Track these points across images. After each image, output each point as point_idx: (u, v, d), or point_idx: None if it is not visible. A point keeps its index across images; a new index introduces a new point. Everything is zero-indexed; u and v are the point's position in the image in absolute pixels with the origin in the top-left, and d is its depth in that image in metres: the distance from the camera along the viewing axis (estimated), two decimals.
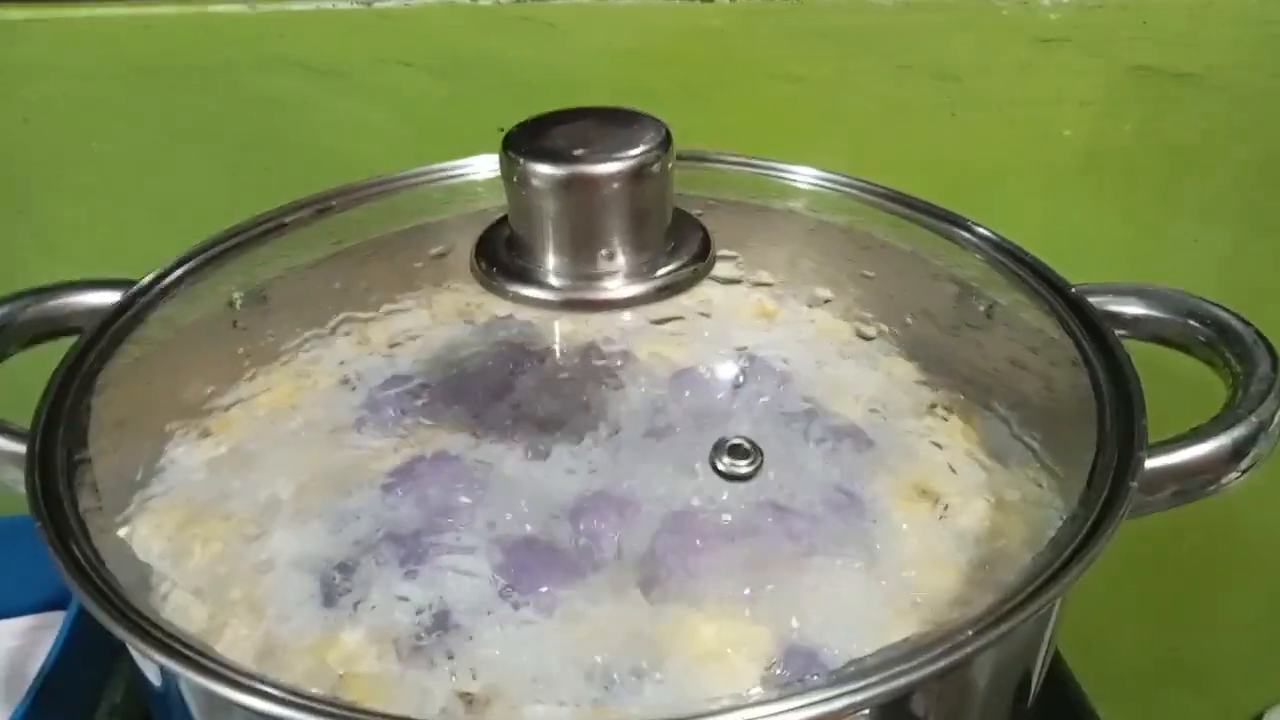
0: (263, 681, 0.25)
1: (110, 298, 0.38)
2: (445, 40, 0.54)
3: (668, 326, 0.34)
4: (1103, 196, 0.61)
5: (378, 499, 0.30)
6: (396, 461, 0.31)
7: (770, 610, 0.28)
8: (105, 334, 0.36)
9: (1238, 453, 0.33)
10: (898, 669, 0.25)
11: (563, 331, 0.34)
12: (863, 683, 0.25)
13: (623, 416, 0.32)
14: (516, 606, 0.28)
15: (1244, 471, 0.34)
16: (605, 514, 0.30)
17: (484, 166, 0.44)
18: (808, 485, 0.31)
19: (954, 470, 0.31)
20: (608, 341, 0.33)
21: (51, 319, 0.38)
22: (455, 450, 0.31)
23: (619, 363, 0.33)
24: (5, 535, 0.44)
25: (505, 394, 0.33)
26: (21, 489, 0.31)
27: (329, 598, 0.29)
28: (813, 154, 0.45)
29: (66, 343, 0.37)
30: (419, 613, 0.28)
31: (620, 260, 0.34)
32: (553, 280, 0.34)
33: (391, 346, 0.34)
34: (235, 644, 0.27)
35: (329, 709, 0.25)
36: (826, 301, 0.36)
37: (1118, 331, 0.37)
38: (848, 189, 0.43)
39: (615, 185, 0.33)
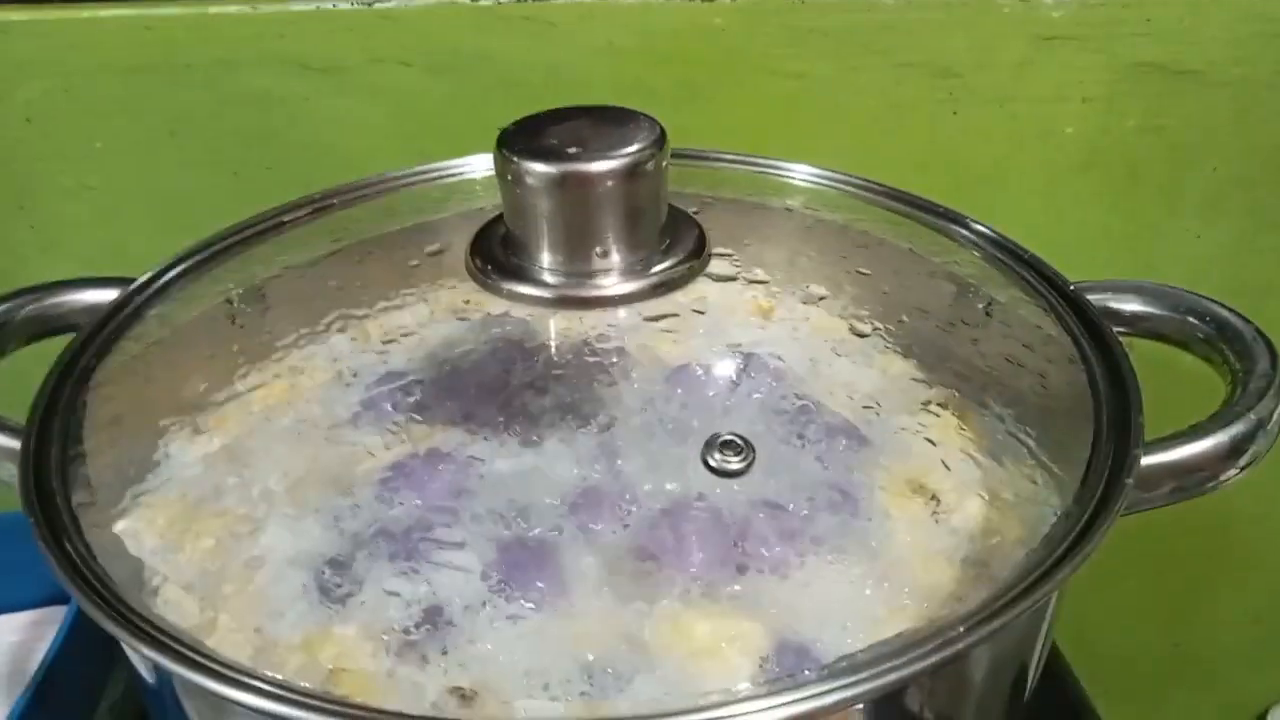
0: (255, 677, 0.25)
1: (108, 296, 0.39)
2: (445, 40, 0.54)
3: (662, 324, 0.34)
4: (1104, 193, 0.61)
5: (371, 495, 0.30)
6: (390, 458, 0.31)
7: (763, 606, 0.28)
8: (102, 331, 0.37)
9: (1236, 450, 0.33)
10: (889, 664, 0.25)
11: (557, 329, 0.34)
12: (854, 678, 0.24)
13: (616, 413, 0.32)
14: (509, 601, 0.28)
15: (1243, 469, 0.34)
16: (598, 509, 0.30)
17: (482, 165, 0.45)
18: (801, 481, 0.31)
19: (948, 467, 0.31)
20: (602, 339, 0.33)
21: (49, 317, 0.39)
22: (449, 447, 0.31)
23: (613, 360, 0.33)
24: (6, 530, 0.44)
25: (499, 391, 0.33)
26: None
27: (322, 593, 0.29)
28: (814, 152, 0.45)
29: (65, 340, 0.37)
30: (411, 608, 0.28)
31: (615, 258, 0.34)
32: (547, 278, 0.34)
33: (387, 344, 0.34)
34: (227, 639, 0.27)
35: (321, 704, 0.25)
36: (822, 299, 0.36)
37: (1116, 329, 0.36)
38: (845, 186, 0.43)
39: (609, 183, 0.33)
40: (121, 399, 0.34)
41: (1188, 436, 0.33)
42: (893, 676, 0.24)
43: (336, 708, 0.25)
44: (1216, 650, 0.79)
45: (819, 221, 0.42)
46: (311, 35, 0.54)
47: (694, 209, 0.38)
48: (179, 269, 0.40)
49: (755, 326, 0.34)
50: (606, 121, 0.35)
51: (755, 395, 0.32)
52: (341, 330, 0.35)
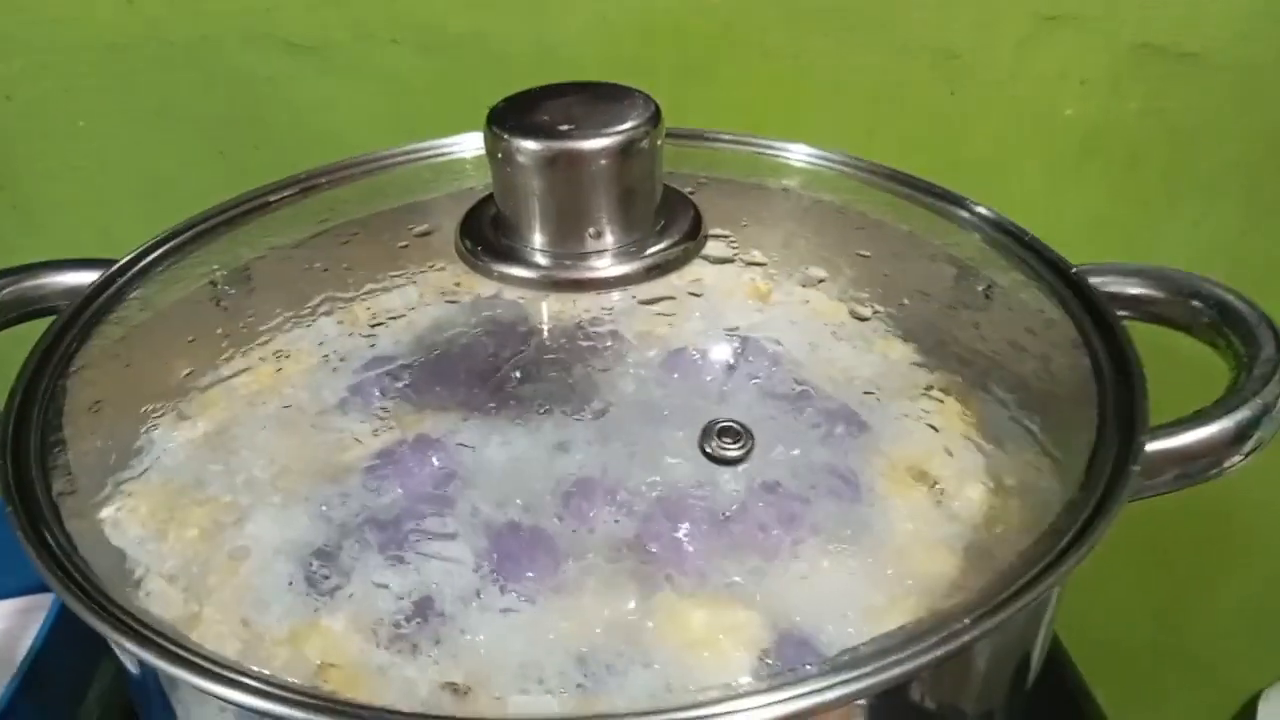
0: (241, 673, 0.25)
1: (89, 277, 0.38)
2: (434, 16, 0.53)
3: (657, 307, 0.33)
4: (1104, 177, 0.61)
5: (360, 483, 0.30)
6: (379, 444, 0.31)
7: (762, 596, 0.27)
8: (82, 315, 0.36)
9: (1241, 435, 0.33)
10: (893, 659, 0.24)
11: (549, 312, 0.33)
12: (857, 672, 0.24)
13: (611, 399, 0.31)
14: (502, 592, 0.27)
15: (1247, 455, 0.33)
16: (592, 498, 0.29)
17: (472, 144, 0.44)
18: (800, 468, 0.30)
19: (950, 453, 0.31)
20: (595, 322, 0.32)
21: (28, 299, 0.38)
22: (439, 433, 0.31)
23: (607, 344, 0.32)
24: None
25: (490, 376, 0.32)
26: None
27: (309, 584, 0.28)
28: (811, 132, 0.45)
29: (44, 323, 0.36)
30: (401, 599, 0.27)
31: (608, 239, 0.33)
32: (539, 259, 0.34)
33: (374, 327, 0.34)
34: (213, 632, 0.27)
35: (308, 700, 0.24)
36: (821, 281, 0.35)
37: (1119, 312, 0.36)
38: (843, 167, 0.43)
39: (602, 162, 0.32)
40: (102, 384, 0.34)
41: (1192, 422, 0.33)
42: (896, 671, 0.24)
43: (324, 703, 0.24)
44: (1211, 636, 0.79)
45: (817, 203, 0.41)
46: (298, 12, 0.52)
47: (689, 189, 0.38)
48: (162, 250, 0.39)
49: (753, 310, 0.34)
50: (600, 98, 0.34)
51: (753, 380, 0.32)
52: (328, 313, 0.34)
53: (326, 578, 0.28)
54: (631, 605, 0.27)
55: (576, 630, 0.27)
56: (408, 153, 0.44)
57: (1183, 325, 0.38)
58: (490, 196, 0.35)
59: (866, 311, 0.34)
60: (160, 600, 0.27)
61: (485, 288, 0.34)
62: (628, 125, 0.32)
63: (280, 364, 0.33)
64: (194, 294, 0.37)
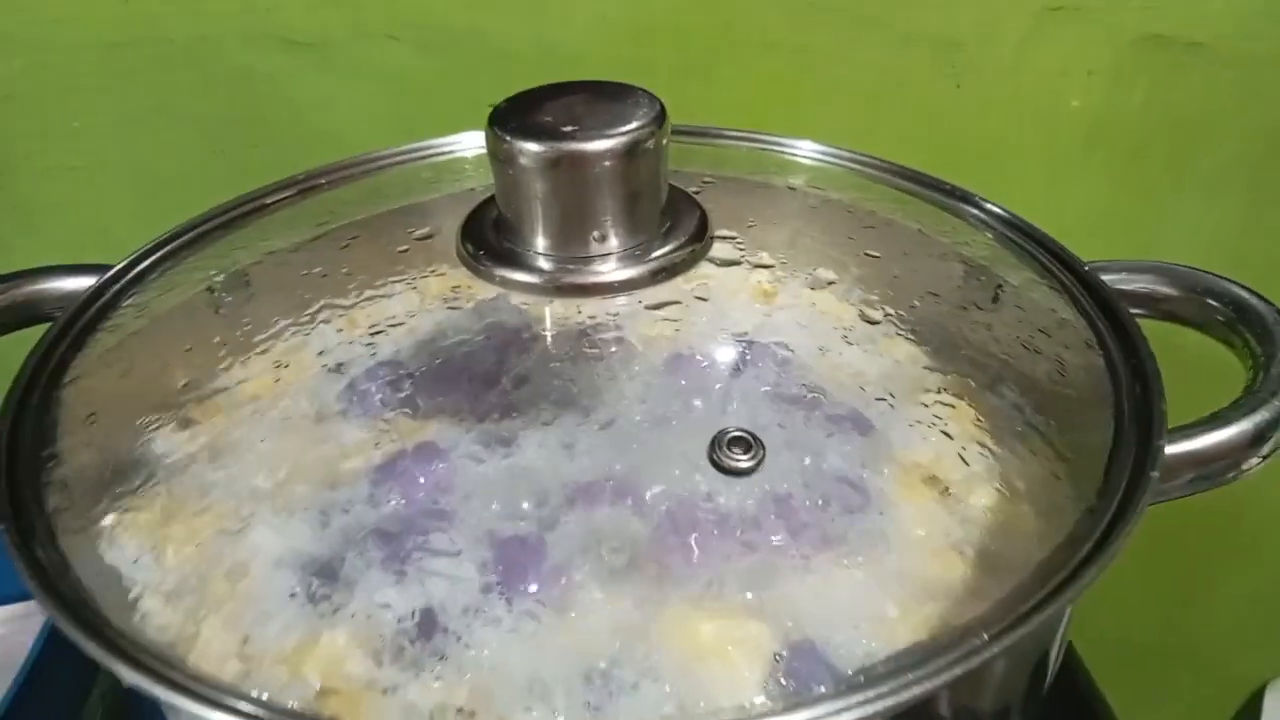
0: (240, 697, 0.24)
1: (84, 283, 0.37)
2: (434, 14, 0.52)
3: (663, 311, 0.32)
4: (1108, 169, 0.60)
5: (361, 494, 0.29)
6: (381, 455, 0.30)
7: (771, 607, 0.27)
8: (77, 322, 0.35)
9: (1260, 438, 0.32)
10: (910, 678, 0.23)
11: (553, 317, 0.32)
12: (873, 692, 0.23)
13: (617, 406, 0.30)
14: (507, 606, 0.27)
15: (1265, 457, 0.32)
16: (599, 508, 0.29)
17: (472, 143, 0.43)
18: (811, 476, 0.29)
19: (963, 459, 0.30)
20: (600, 328, 0.32)
21: (23, 306, 0.37)
22: (442, 442, 0.30)
23: (612, 350, 0.31)
24: None
25: (494, 383, 0.31)
26: None
27: (310, 599, 0.27)
28: (814, 126, 0.44)
29: (39, 331, 0.35)
30: (404, 614, 0.27)
31: (613, 242, 0.32)
32: (542, 264, 0.33)
33: (375, 334, 0.33)
34: (210, 652, 0.26)
35: None
36: (830, 283, 0.34)
37: (1132, 310, 0.35)
38: (850, 164, 0.42)
39: (607, 163, 0.31)
40: (98, 395, 0.33)
41: (1209, 424, 0.32)
42: (913, 691, 0.23)
43: None
44: (1216, 629, 0.79)
45: (824, 201, 0.40)
46: (297, 10, 0.52)
47: (694, 189, 0.37)
48: (158, 255, 0.38)
49: (761, 314, 0.33)
50: (603, 97, 0.33)
51: (762, 387, 0.31)
52: (328, 320, 0.33)
53: (328, 592, 0.27)
54: (639, 619, 0.26)
55: (583, 645, 0.26)
56: (407, 152, 0.44)
57: (1196, 323, 0.37)
58: (492, 198, 0.35)
59: (877, 314, 0.33)
60: (156, 620, 0.26)
61: (487, 293, 0.33)
62: (633, 125, 0.31)
63: (279, 373, 0.32)
64: (191, 300, 0.36)
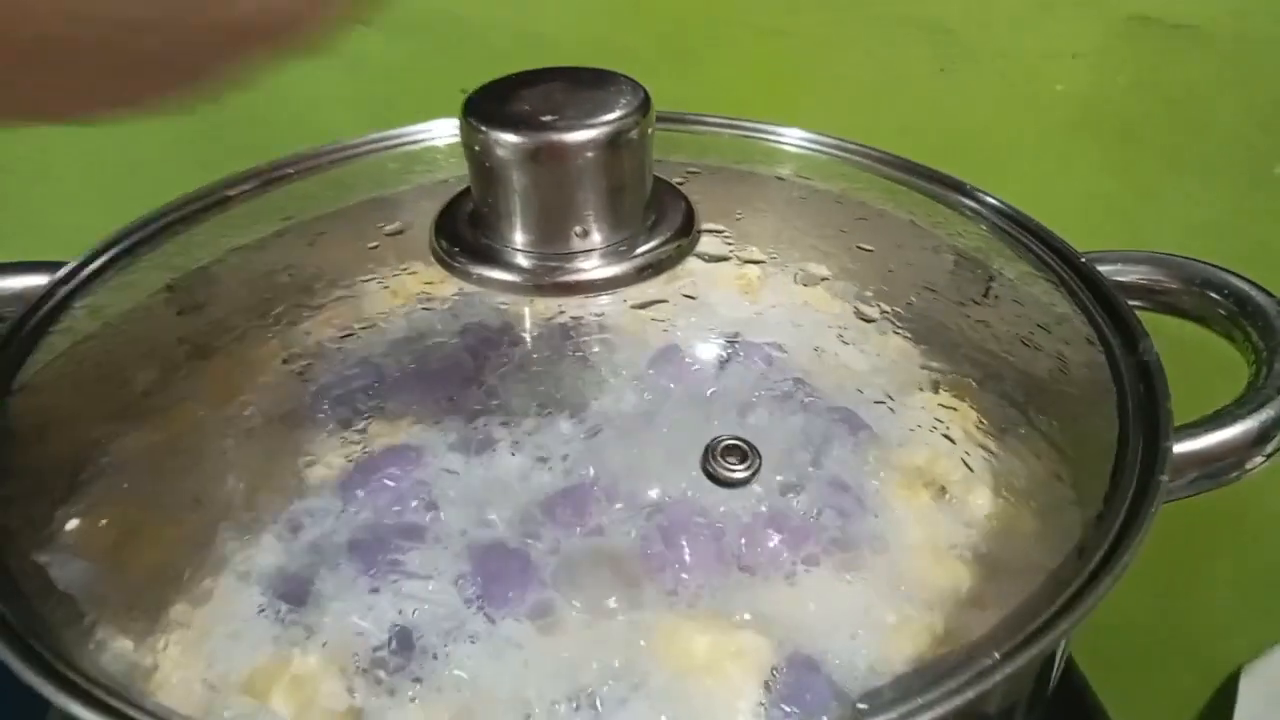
0: None
1: (34, 283, 0.35)
2: None
3: (650, 311, 0.31)
4: (1097, 153, 0.59)
5: (332, 503, 0.28)
6: (353, 462, 0.29)
7: (766, 617, 0.26)
8: (26, 325, 0.33)
9: (1265, 436, 0.31)
10: (918, 703, 0.22)
11: (534, 317, 0.31)
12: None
13: (602, 411, 0.29)
14: (490, 622, 0.26)
15: (1269, 456, 0.32)
16: (584, 518, 0.27)
17: (444, 131, 0.41)
18: (806, 481, 0.28)
19: (965, 462, 0.29)
20: (584, 328, 0.30)
21: None
22: (417, 449, 0.29)
23: (597, 351, 0.30)
24: None
25: (472, 387, 0.30)
26: None
27: (278, 617, 0.26)
28: (799, 113, 0.43)
29: None
30: (379, 634, 0.25)
31: (596, 238, 0.31)
32: (521, 261, 0.31)
33: (346, 336, 0.31)
34: (171, 680, 0.24)
35: None
36: (823, 279, 0.33)
37: (1130, 303, 0.34)
38: (838, 152, 0.41)
39: (589, 155, 0.30)
40: (49, 404, 0.31)
41: (1214, 423, 0.31)
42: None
43: None
44: (1194, 615, 0.79)
45: (814, 192, 0.39)
46: None
47: (678, 179, 0.35)
48: (113, 252, 0.36)
49: (752, 312, 0.32)
50: (584, 85, 0.31)
51: (755, 389, 0.30)
52: (294, 321, 0.32)
53: (297, 610, 0.26)
54: (629, 633, 0.25)
55: (570, 662, 0.25)
56: (376, 141, 0.42)
57: (1196, 316, 0.37)
58: (466, 190, 0.33)
59: (872, 311, 0.32)
60: (113, 649, 0.25)
61: (464, 292, 0.31)
62: (616, 115, 0.30)
63: (245, 378, 0.31)
64: (149, 301, 0.34)
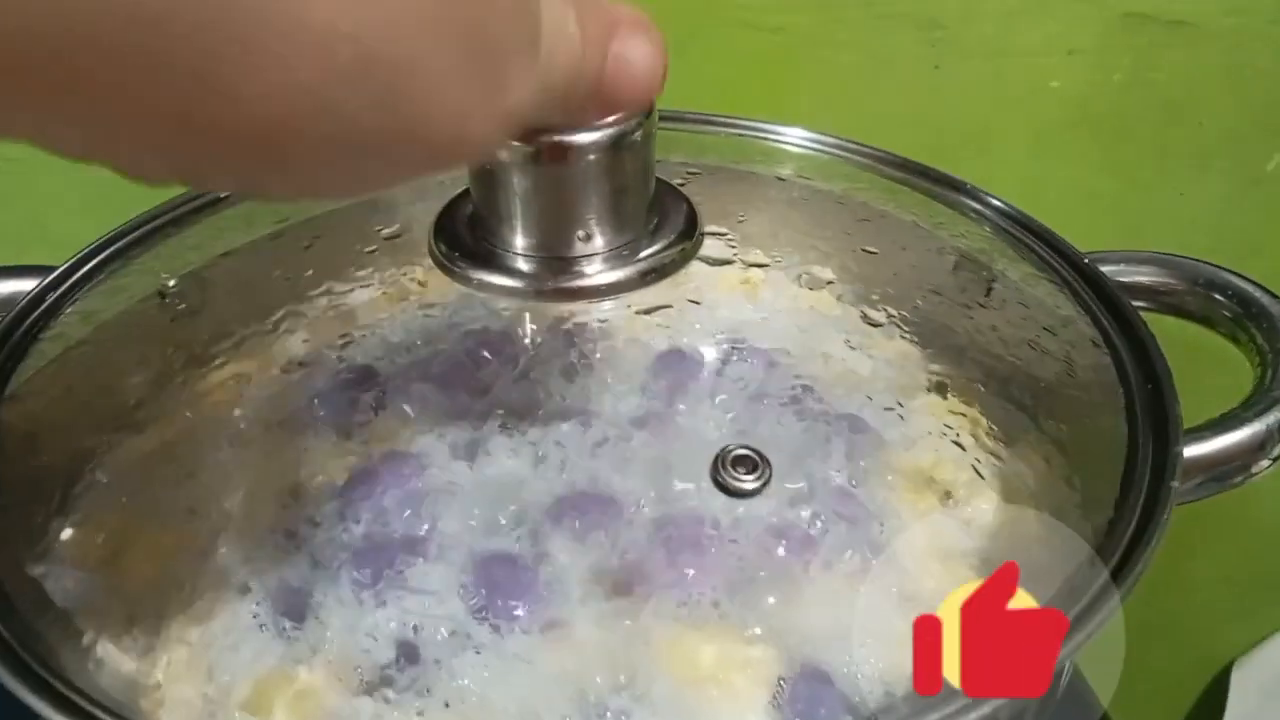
0: None
1: (24, 287, 0.34)
2: None
3: (655, 317, 0.30)
4: (1090, 150, 0.59)
5: (332, 512, 0.27)
6: (352, 470, 0.28)
7: (774, 626, 0.25)
8: (16, 331, 0.32)
9: (1271, 439, 0.31)
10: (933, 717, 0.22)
11: (536, 323, 0.30)
12: None
13: (607, 418, 0.29)
14: (492, 630, 0.25)
15: (1275, 459, 0.31)
16: (589, 525, 0.27)
17: None
18: (813, 490, 0.28)
19: (976, 471, 0.29)
20: (589, 335, 0.30)
21: None
22: (418, 456, 0.28)
23: (600, 357, 0.30)
24: None
25: (475, 394, 0.30)
26: None
27: (278, 631, 0.26)
28: (793, 110, 0.42)
29: None
30: (381, 643, 0.25)
31: (599, 241, 0.30)
32: (522, 265, 0.30)
33: (343, 340, 0.31)
34: (171, 696, 0.24)
35: None
36: (828, 283, 0.32)
37: (1134, 304, 0.34)
38: (838, 152, 0.40)
39: (592, 156, 0.29)
40: (41, 412, 0.30)
41: (1220, 427, 0.31)
42: None
43: None
44: (1187, 609, 0.79)
45: (815, 193, 0.38)
46: None
47: (679, 180, 0.35)
48: (104, 255, 0.36)
49: (757, 317, 0.31)
50: None
51: (761, 396, 0.29)
52: (291, 328, 0.31)
53: (298, 621, 0.25)
54: (634, 642, 0.25)
55: (575, 672, 0.24)
56: None
57: (1200, 318, 0.36)
58: (465, 192, 0.32)
59: (879, 315, 0.32)
60: (111, 666, 0.24)
61: (464, 297, 0.31)
62: (619, 115, 0.29)
63: (240, 385, 0.30)
64: (141, 306, 0.34)
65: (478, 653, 0.25)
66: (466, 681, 0.25)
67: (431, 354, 0.31)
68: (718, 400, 0.29)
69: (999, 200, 0.38)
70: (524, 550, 0.26)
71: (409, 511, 0.27)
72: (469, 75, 0.16)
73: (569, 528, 0.27)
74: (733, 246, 0.33)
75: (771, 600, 0.26)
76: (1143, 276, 0.37)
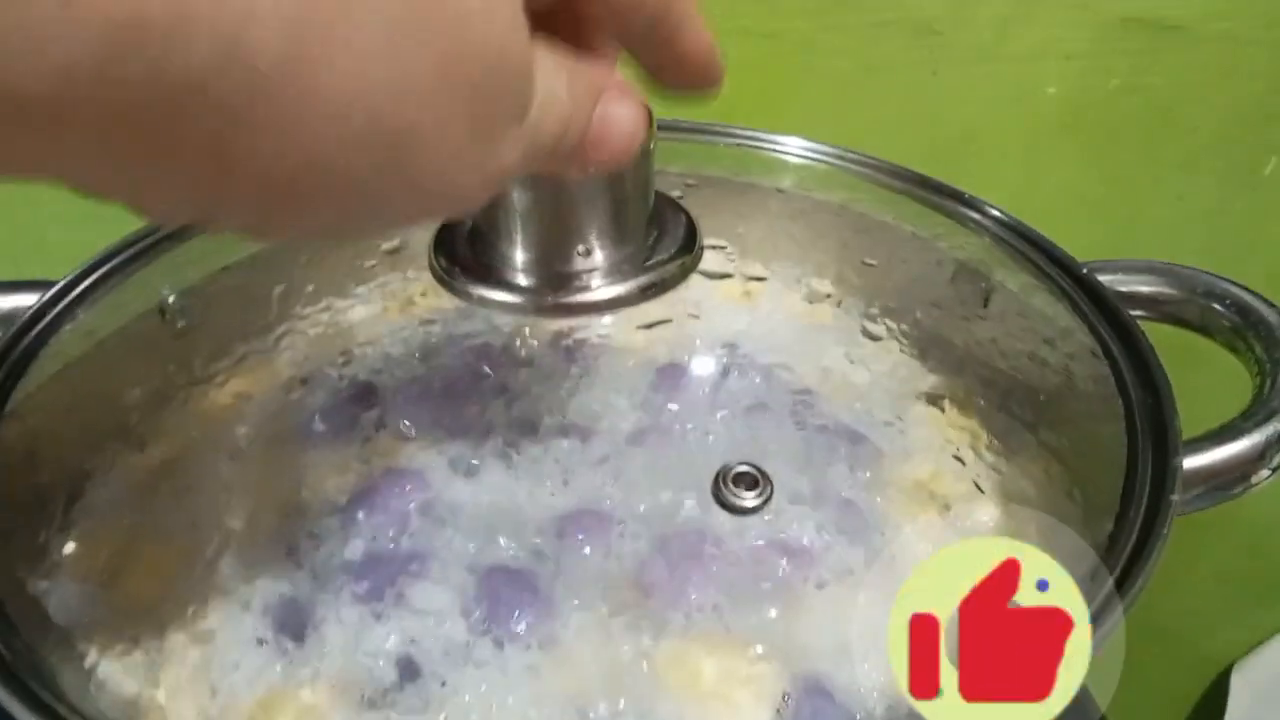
0: None
1: (23, 302, 0.34)
2: None
3: (655, 332, 0.30)
4: (1085, 155, 0.59)
5: (333, 527, 0.27)
6: (353, 485, 0.28)
7: (775, 640, 0.25)
8: (16, 348, 0.32)
9: (1270, 450, 0.31)
10: None
11: (537, 338, 0.30)
12: None
13: (608, 433, 0.29)
14: (495, 645, 0.25)
15: (1275, 469, 0.31)
16: (591, 541, 0.27)
17: None
18: (814, 504, 0.28)
19: (977, 485, 0.29)
20: (589, 350, 0.30)
21: None
22: (419, 471, 0.28)
23: (601, 372, 0.30)
24: None
25: (474, 408, 0.30)
26: None
27: (279, 646, 0.26)
28: (787, 115, 0.42)
29: None
30: (383, 658, 0.25)
31: (599, 256, 0.30)
32: (522, 280, 0.30)
33: (344, 357, 0.31)
34: (172, 716, 0.24)
35: None
36: (827, 296, 0.33)
37: (1132, 312, 0.34)
38: (838, 162, 0.40)
39: (591, 172, 0.29)
40: (39, 431, 0.30)
41: (1220, 437, 0.31)
42: None
43: None
44: (1185, 611, 0.79)
45: (814, 204, 0.38)
46: None
47: (677, 193, 0.35)
48: (104, 269, 0.35)
49: (757, 331, 0.31)
50: None
51: (762, 411, 0.29)
52: (291, 344, 0.31)
53: (299, 637, 0.25)
54: (636, 656, 0.25)
55: (577, 688, 0.25)
56: None
57: (1199, 327, 0.36)
58: None
59: (878, 329, 0.32)
60: (113, 687, 0.24)
61: (464, 312, 0.31)
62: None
63: (242, 401, 0.30)
64: (142, 321, 0.34)
65: (480, 667, 0.25)
66: (468, 698, 0.24)
67: (432, 370, 0.31)
68: (718, 415, 0.29)
69: (997, 210, 0.38)
70: (525, 566, 0.26)
71: (410, 528, 0.27)
72: (466, 141, 0.18)
73: (570, 544, 0.27)
74: (732, 260, 0.33)
75: (774, 615, 0.26)
76: (1141, 285, 0.37)
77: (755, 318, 0.32)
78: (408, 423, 0.30)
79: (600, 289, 0.30)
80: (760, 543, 0.27)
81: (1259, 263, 0.62)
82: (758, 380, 0.30)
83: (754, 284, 0.32)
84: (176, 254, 0.36)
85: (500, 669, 0.25)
